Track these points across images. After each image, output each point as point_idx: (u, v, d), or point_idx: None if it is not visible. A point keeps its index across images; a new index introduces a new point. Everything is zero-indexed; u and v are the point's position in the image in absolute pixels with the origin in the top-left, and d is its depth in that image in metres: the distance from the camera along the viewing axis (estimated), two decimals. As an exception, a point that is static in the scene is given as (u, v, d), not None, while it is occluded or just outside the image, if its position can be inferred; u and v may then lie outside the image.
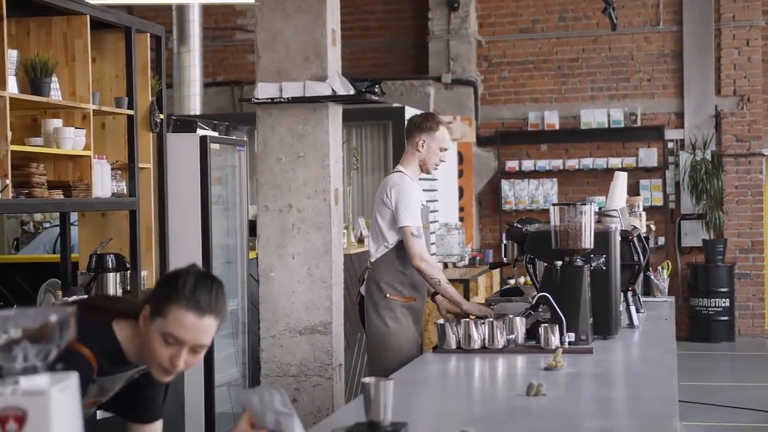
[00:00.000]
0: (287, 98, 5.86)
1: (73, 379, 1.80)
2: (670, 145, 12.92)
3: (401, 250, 5.31)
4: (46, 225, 8.96)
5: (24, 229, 9.15)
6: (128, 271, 5.73)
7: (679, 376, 8.90)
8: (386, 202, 5.33)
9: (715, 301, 12.39)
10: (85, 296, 5.24)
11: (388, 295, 5.34)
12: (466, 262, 10.65)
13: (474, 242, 12.80)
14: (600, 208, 5.49)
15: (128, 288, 5.73)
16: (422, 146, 5.43)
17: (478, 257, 11.34)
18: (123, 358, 2.69)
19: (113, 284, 5.54)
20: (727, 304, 12.41)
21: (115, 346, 2.67)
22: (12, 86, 4.79)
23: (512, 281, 12.45)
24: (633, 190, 12.56)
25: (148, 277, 6.01)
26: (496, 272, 11.41)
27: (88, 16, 5.31)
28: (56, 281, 5.94)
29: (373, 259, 5.45)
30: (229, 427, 6.94)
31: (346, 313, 6.47)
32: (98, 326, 2.69)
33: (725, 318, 12.43)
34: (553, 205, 4.51)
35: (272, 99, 5.89)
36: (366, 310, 5.45)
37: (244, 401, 2.57)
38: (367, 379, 2.74)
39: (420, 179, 5.57)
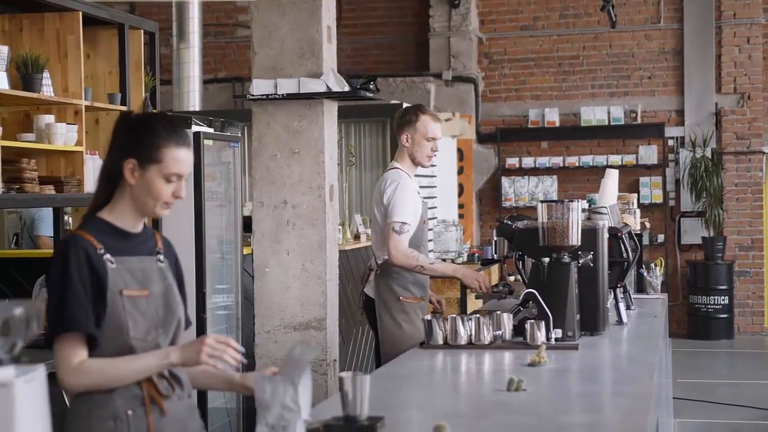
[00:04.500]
0: (282, 95, 5.88)
1: (39, 371, 1.82)
2: (671, 142, 12.93)
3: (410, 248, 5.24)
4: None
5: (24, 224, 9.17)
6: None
7: (677, 373, 8.97)
8: (384, 200, 5.30)
9: (715, 299, 12.40)
10: None
11: (401, 297, 5.28)
12: (465, 258, 10.66)
13: (474, 239, 12.81)
14: (590, 205, 5.51)
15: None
16: (408, 141, 5.39)
17: (477, 254, 11.33)
18: (119, 230, 2.90)
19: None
20: (727, 301, 12.42)
21: (105, 224, 2.89)
22: (3, 82, 4.82)
23: (512, 278, 12.45)
24: (633, 188, 12.58)
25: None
26: (495, 269, 11.42)
27: (80, 13, 5.33)
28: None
29: (380, 261, 5.35)
30: (222, 422, 6.96)
31: (341, 309, 6.48)
32: (86, 221, 2.92)
33: (724, 315, 12.44)
34: (541, 202, 4.52)
35: (267, 95, 5.91)
36: (378, 313, 5.34)
37: (258, 386, 2.63)
38: (343, 374, 2.77)
39: (418, 175, 5.55)
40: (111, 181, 2.90)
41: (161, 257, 2.99)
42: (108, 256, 2.85)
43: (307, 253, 5.92)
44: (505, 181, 13.09)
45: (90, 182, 5.38)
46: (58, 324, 2.78)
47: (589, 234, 4.59)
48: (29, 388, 1.78)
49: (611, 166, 12.57)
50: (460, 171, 12.62)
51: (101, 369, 2.80)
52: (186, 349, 2.82)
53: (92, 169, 5.40)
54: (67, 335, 2.78)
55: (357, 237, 8.11)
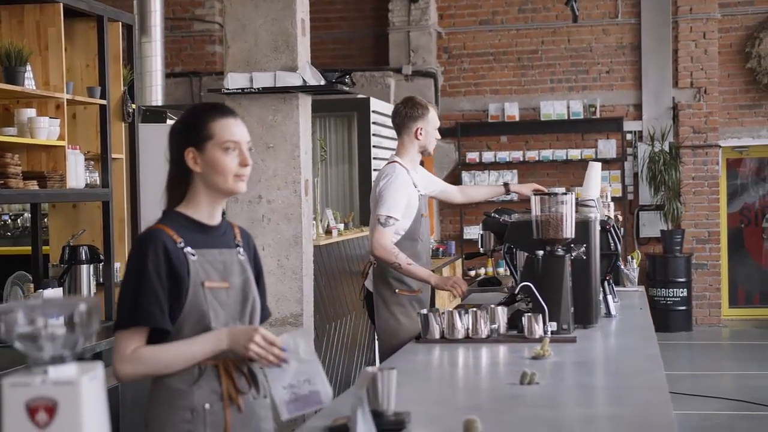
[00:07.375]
0: (258, 88, 5.83)
1: (99, 369, 1.78)
2: (629, 136, 13.04)
3: (405, 242, 5.20)
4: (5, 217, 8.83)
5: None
6: (101, 263, 5.65)
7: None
8: (376, 192, 5.24)
9: (673, 291, 12.53)
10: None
11: (397, 290, 5.23)
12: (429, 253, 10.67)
13: (435, 234, 12.82)
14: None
15: (101, 280, 5.66)
16: (420, 134, 5.42)
17: (441, 249, 11.37)
18: (197, 223, 2.93)
19: (86, 276, 5.46)
20: (685, 294, 12.56)
21: (184, 218, 2.93)
22: (-15, 75, 4.72)
23: (473, 272, 12.50)
24: (592, 182, 12.66)
25: (122, 269, 5.94)
26: (459, 263, 11.46)
27: (61, 5, 5.23)
28: (24, 274, 5.85)
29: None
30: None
31: (316, 304, 6.45)
32: (165, 216, 2.96)
33: (683, 308, 12.58)
34: (535, 194, 4.52)
35: (242, 89, 5.85)
36: (375, 306, 5.28)
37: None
38: (370, 369, 2.74)
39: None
40: (182, 179, 2.94)
41: (241, 250, 3.01)
42: (189, 249, 2.87)
43: (283, 248, 5.89)
44: (466, 176, 13.11)
45: (72, 177, 5.28)
46: (131, 317, 2.80)
47: (582, 226, 4.60)
48: (93, 385, 1.74)
49: (570, 161, 12.72)
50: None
51: (153, 355, 2.80)
52: (237, 337, 2.81)
53: (74, 163, 5.30)
54: (134, 328, 2.80)
55: (329, 232, 8.06)
